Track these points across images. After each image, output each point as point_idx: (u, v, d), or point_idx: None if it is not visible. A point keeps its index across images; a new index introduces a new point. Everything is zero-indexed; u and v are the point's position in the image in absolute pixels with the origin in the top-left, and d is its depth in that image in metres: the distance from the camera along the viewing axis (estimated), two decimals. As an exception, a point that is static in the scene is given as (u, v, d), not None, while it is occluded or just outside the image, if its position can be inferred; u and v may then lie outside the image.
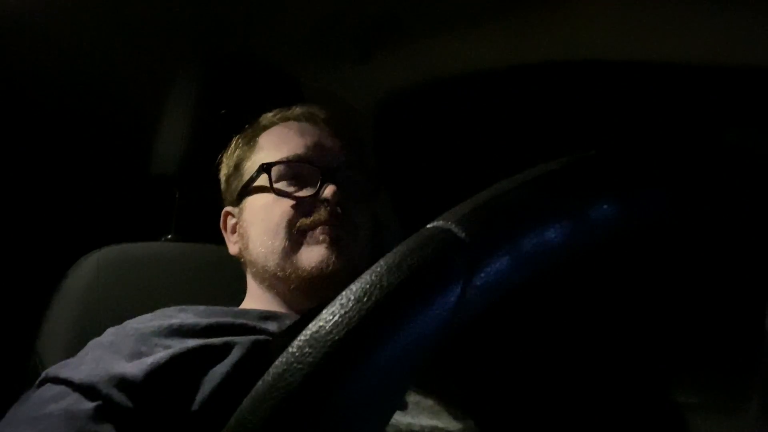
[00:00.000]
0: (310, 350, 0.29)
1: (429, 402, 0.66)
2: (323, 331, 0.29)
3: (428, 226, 0.32)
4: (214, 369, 0.66)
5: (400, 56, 0.92)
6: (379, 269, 0.30)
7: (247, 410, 0.29)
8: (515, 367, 0.82)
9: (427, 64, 0.90)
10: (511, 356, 0.83)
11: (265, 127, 0.85)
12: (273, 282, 0.78)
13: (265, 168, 0.79)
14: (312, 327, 0.29)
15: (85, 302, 0.85)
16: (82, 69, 1.11)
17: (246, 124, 0.87)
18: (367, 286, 0.30)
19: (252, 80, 1.05)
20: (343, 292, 0.30)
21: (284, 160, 0.79)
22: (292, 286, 0.76)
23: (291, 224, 0.76)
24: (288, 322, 0.74)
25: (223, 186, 0.87)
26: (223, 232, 0.86)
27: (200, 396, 0.64)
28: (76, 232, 1.07)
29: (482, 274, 0.31)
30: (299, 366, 0.28)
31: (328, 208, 0.76)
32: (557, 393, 0.81)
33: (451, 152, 1.01)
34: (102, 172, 1.22)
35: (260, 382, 0.29)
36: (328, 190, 0.76)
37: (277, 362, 0.29)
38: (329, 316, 0.29)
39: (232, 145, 0.86)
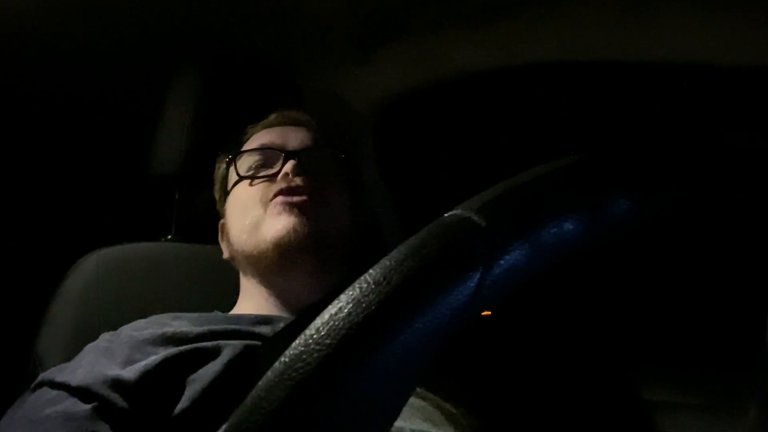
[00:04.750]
0: (328, 332, 0.28)
1: (422, 403, 0.66)
2: (342, 314, 0.29)
3: (447, 214, 0.32)
4: (206, 368, 0.66)
5: (400, 56, 0.92)
6: (398, 254, 0.30)
7: (261, 392, 0.28)
8: (510, 369, 0.82)
9: (427, 65, 0.90)
10: (506, 358, 0.83)
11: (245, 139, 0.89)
12: (251, 266, 0.80)
13: (230, 159, 0.84)
14: (331, 309, 0.29)
15: (84, 303, 0.85)
16: (82, 69, 1.11)
17: (245, 124, 0.88)
18: (387, 270, 0.29)
19: (252, 80, 1.05)
20: (363, 276, 0.30)
21: (248, 149, 0.84)
22: (264, 264, 0.77)
23: (258, 202, 0.79)
24: (281, 325, 0.74)
25: (217, 204, 0.90)
26: (220, 242, 0.88)
27: (192, 396, 0.65)
28: (76, 233, 1.07)
29: (501, 262, 0.31)
30: (317, 347, 0.28)
31: (288, 177, 0.78)
32: (553, 394, 0.80)
33: (451, 152, 1.01)
34: (102, 173, 1.22)
35: (276, 364, 0.29)
36: (288, 165, 0.79)
37: (294, 344, 0.29)
38: (348, 299, 0.29)
39: (218, 162, 0.90)
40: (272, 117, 0.89)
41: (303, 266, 0.76)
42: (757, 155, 0.39)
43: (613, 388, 0.81)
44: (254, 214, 0.79)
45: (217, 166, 0.90)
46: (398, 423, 0.63)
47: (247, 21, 0.98)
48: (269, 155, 0.82)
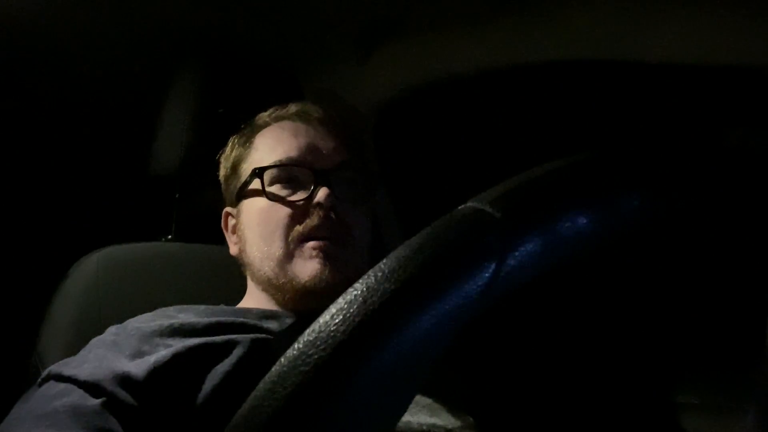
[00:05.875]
0: (343, 319, 0.28)
1: (427, 400, 0.66)
2: (357, 301, 0.29)
3: (461, 206, 0.32)
4: (216, 368, 0.66)
5: (400, 56, 0.92)
6: (413, 244, 0.30)
7: (275, 377, 0.29)
8: (515, 365, 0.82)
9: (427, 64, 0.90)
10: (510, 354, 0.83)
11: (261, 127, 0.84)
12: (268, 287, 0.78)
13: (258, 173, 0.79)
14: (346, 296, 0.29)
15: (85, 302, 0.85)
16: (82, 69, 1.11)
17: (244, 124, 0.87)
18: (402, 259, 0.29)
19: (252, 80, 1.05)
20: (377, 265, 0.30)
21: (277, 163, 0.79)
22: (287, 296, 0.77)
23: (286, 232, 0.76)
24: (288, 321, 0.74)
25: (222, 186, 0.87)
26: (224, 231, 0.86)
27: (203, 394, 0.65)
28: (76, 233, 1.07)
29: (516, 254, 0.31)
30: (331, 334, 0.28)
31: (321, 212, 0.75)
32: (557, 392, 0.80)
33: (451, 152, 1.01)
34: (102, 173, 1.22)
35: (289, 350, 0.29)
36: (321, 194, 0.75)
37: (308, 330, 0.29)
38: (363, 287, 0.29)
39: (229, 146, 0.86)
40: (292, 108, 0.84)
41: (321, 302, 0.76)
42: (760, 155, 0.39)
43: (613, 389, 0.81)
44: (281, 246, 0.76)
45: (230, 145, 0.86)
46: (404, 417, 0.63)
47: (248, 21, 0.98)
48: (298, 172, 0.78)
